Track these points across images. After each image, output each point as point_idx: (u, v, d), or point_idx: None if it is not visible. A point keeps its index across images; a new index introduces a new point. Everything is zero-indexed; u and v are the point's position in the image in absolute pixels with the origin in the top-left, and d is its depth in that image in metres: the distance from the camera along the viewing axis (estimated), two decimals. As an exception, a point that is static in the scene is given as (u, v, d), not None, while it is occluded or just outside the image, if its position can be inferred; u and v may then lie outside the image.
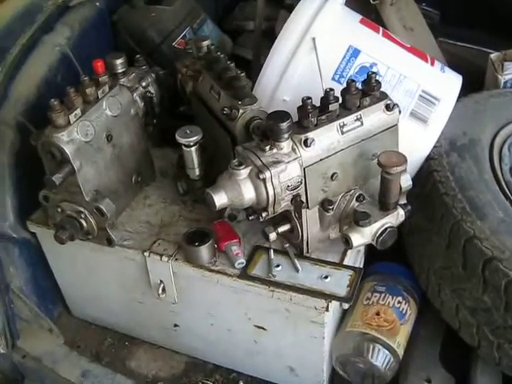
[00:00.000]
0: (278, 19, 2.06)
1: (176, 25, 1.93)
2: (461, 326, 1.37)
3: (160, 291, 1.45)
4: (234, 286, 1.36)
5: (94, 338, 1.71)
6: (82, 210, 1.39)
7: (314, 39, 1.43)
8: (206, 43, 1.53)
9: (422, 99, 1.48)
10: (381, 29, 1.56)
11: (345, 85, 1.33)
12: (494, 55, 1.81)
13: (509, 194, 1.39)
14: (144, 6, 1.95)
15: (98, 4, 1.87)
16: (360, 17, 1.55)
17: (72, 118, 1.32)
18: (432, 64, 1.55)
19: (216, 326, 1.49)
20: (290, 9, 2.07)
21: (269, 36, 2.00)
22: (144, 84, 1.54)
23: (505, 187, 1.40)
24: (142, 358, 1.65)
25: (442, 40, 2.06)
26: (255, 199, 1.23)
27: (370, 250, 1.54)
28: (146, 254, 1.41)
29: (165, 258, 1.39)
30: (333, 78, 1.45)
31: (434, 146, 1.48)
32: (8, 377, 1.66)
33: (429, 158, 1.47)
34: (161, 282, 1.44)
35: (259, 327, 1.42)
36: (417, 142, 1.47)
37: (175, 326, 1.56)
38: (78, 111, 1.34)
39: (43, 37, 1.69)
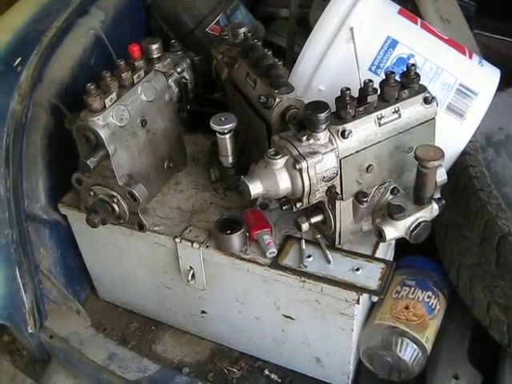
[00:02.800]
0: (312, 7, 2.04)
1: (210, 10, 1.92)
2: (491, 323, 1.35)
3: (189, 278, 1.45)
4: (264, 275, 1.36)
5: (121, 322, 1.73)
6: (114, 194, 1.40)
7: (351, 29, 1.41)
8: (242, 30, 1.52)
9: (459, 93, 1.45)
10: (419, 20, 1.53)
11: (382, 76, 1.31)
12: (531, 49, 1.78)
13: (544, 192, 1.37)
14: (178, -10, 1.94)
15: (132, -13, 1.87)
16: (398, 7, 1.52)
17: (108, 102, 1.32)
18: (470, 57, 1.52)
19: (244, 314, 1.49)
20: (324, -3, 2.06)
21: (302, 23, 1.99)
22: (179, 70, 1.54)
23: (540, 184, 1.38)
24: (168, 343, 1.66)
25: (478, 32, 2.03)
26: (290, 189, 1.22)
27: (399, 242, 1.53)
28: (177, 240, 1.41)
29: (196, 245, 1.39)
30: (369, 69, 1.43)
31: (470, 141, 1.46)
32: (35, 356, 1.68)
33: (464, 153, 1.45)
34: (190, 268, 1.44)
35: (287, 317, 1.42)
36: (452, 136, 1.45)
37: (203, 312, 1.56)
38: (114, 95, 1.34)
39: (78, 20, 1.69)
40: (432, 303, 1.46)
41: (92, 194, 1.43)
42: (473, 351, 1.44)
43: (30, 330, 1.60)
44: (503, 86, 1.57)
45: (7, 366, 1.69)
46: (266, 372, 1.55)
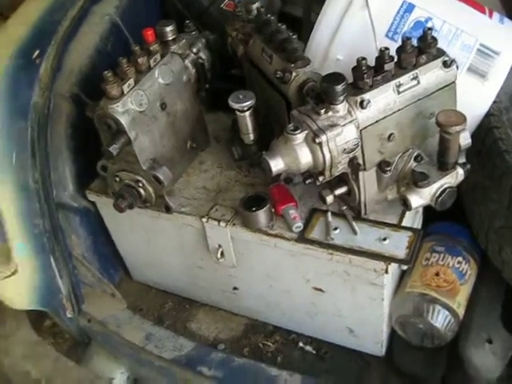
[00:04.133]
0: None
1: (224, -14, 1.91)
2: (523, 285, 1.35)
3: (219, 256, 1.47)
4: (292, 250, 1.36)
5: (156, 302, 1.75)
6: (139, 178, 1.41)
7: (366, -5, 1.39)
8: (255, 6, 1.50)
9: (480, 53, 1.42)
10: (435, -19, 1.50)
11: (399, 42, 1.29)
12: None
13: None
14: (191, -32, 1.92)
15: (145, -30, 1.86)
16: (413, -31, 1.50)
17: (125, 88, 1.33)
18: (490, 16, 1.48)
19: (275, 288, 1.50)
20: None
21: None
22: (195, 50, 1.53)
23: None
24: (203, 321, 1.68)
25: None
26: (312, 163, 1.22)
27: (427, 209, 1.52)
28: (204, 219, 1.42)
29: (222, 224, 1.40)
30: (386, 35, 1.41)
31: (494, 102, 1.43)
32: (76, 339, 1.72)
33: (488, 114, 1.42)
34: (219, 246, 1.46)
35: (318, 289, 1.43)
36: (475, 98, 1.42)
37: (234, 288, 1.58)
38: (131, 81, 1.35)
39: (92, 7, 1.69)
40: (462, 268, 1.45)
41: (118, 179, 1.44)
42: (506, 315, 1.43)
43: (69, 315, 1.64)
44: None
45: (50, 349, 1.74)
46: (301, 344, 1.57)
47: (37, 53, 1.48)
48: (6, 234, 1.46)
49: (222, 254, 1.47)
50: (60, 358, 1.71)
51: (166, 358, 1.56)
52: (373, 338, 1.47)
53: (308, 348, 1.56)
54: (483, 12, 1.48)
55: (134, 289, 1.79)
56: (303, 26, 1.84)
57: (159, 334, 1.63)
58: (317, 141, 1.18)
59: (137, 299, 1.76)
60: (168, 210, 1.45)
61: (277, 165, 1.22)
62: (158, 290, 1.78)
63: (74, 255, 1.64)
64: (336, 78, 1.20)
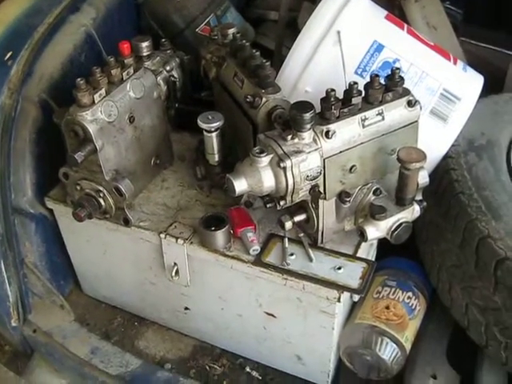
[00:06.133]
0: (301, 10, 2.07)
1: (200, 11, 1.94)
2: (469, 324, 1.38)
3: (173, 273, 1.47)
4: (247, 272, 1.37)
5: (104, 317, 1.73)
6: (101, 189, 1.41)
7: (338, 32, 1.44)
8: (231, 31, 1.54)
9: (442, 97, 1.48)
10: (405, 25, 1.56)
11: (367, 79, 1.33)
12: (516, 57, 1.81)
13: (525, 196, 1.39)
14: (169, -10, 1.96)
15: (123, -14, 1.88)
16: (385, 12, 1.55)
17: (97, 97, 1.34)
18: (454, 63, 1.55)
19: (226, 311, 1.51)
20: (313, 0, 2.09)
21: (291, 26, 2.02)
22: (168, 68, 1.55)
23: (521, 189, 1.41)
24: (151, 339, 1.67)
25: (464, 40, 2.06)
26: (274, 187, 1.24)
27: (381, 243, 1.56)
28: (162, 235, 1.42)
29: (180, 241, 1.41)
30: (355, 72, 1.46)
31: (452, 145, 1.49)
32: (18, 350, 1.69)
33: (446, 157, 1.48)
34: (175, 264, 1.46)
35: (269, 314, 1.44)
36: (435, 140, 1.47)
37: (186, 308, 1.58)
38: (103, 91, 1.36)
39: (70, 16, 1.70)
40: (412, 304, 1.48)
41: (79, 188, 1.44)
42: (451, 351, 1.47)
43: (14, 324, 1.61)
44: (488, 92, 1.60)
45: (-11, 360, 1.70)
46: (248, 369, 1.57)
47: (9, 54, 1.48)
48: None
49: (176, 272, 1.47)
50: (0, 367, 1.67)
51: (110, 374, 1.54)
52: (320, 367, 1.48)
53: (254, 374, 1.56)
54: (448, 59, 1.55)
55: (83, 302, 1.77)
56: (274, 58, 1.88)
57: (105, 349, 1.61)
58: (281, 165, 1.21)
59: (85, 312, 1.74)
60: (127, 223, 1.45)
61: (240, 185, 1.23)
62: (107, 304, 1.76)
63: (26, 263, 1.61)
64: (305, 106, 1.23)
